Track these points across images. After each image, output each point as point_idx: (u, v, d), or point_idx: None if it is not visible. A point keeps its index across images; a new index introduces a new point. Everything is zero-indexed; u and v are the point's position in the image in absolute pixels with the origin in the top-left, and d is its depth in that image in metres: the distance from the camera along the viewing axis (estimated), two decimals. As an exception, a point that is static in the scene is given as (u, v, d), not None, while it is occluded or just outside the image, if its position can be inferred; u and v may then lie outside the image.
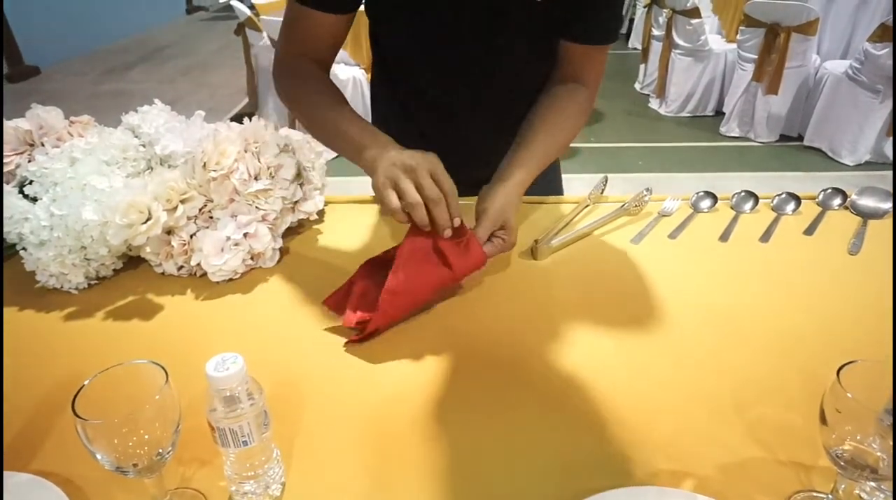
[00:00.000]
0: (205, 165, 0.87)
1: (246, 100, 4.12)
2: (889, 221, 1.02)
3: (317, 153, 1.03)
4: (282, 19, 0.95)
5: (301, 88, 0.92)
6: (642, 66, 4.76)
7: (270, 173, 0.92)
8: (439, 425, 0.63)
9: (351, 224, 1.04)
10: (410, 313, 0.79)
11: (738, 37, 3.76)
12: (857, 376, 0.48)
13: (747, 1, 3.62)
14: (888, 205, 1.03)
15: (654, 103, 4.43)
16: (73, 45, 6.04)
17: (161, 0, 7.80)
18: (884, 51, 3.11)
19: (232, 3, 3.73)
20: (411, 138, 0.86)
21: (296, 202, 0.97)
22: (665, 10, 4.16)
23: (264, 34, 3.40)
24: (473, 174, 0.95)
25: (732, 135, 3.84)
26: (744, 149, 3.70)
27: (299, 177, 0.97)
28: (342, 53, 3.56)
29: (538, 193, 1.07)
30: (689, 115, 4.20)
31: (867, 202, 1.05)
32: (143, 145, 0.96)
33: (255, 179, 0.90)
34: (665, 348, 0.74)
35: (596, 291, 0.85)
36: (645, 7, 4.82)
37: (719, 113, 4.08)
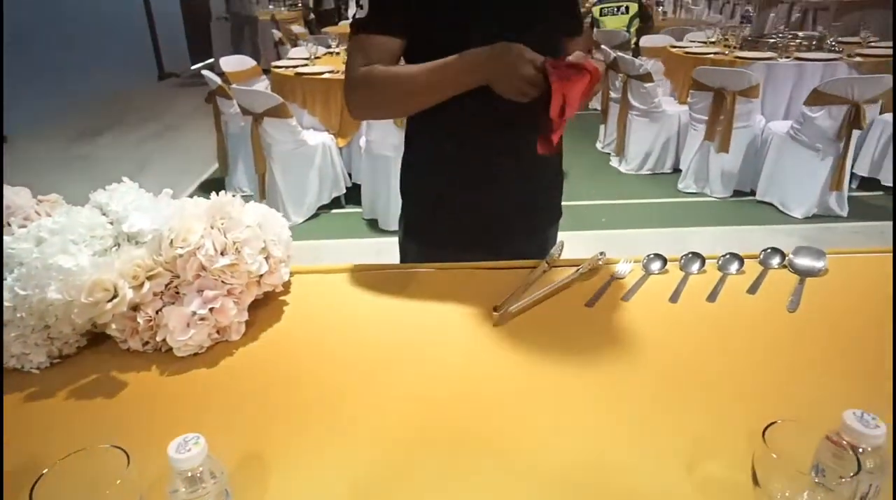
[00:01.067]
0: (171, 242, 0.90)
1: (216, 165, 4.16)
2: (823, 278, 1.08)
3: (282, 226, 1.07)
4: (344, 66, 1.10)
5: (373, 76, 1.04)
6: (602, 127, 4.97)
7: (237, 248, 0.94)
8: (403, 492, 0.65)
9: (316, 295, 1.07)
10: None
11: (689, 99, 3.97)
12: (783, 435, 0.52)
13: (695, 67, 3.85)
14: (822, 263, 1.10)
15: (614, 162, 4.60)
16: (43, 110, 6.06)
17: (133, 66, 7.93)
18: (819, 113, 3.32)
19: (203, 72, 3.82)
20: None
21: (261, 275, 0.99)
22: (620, 75, 4.38)
23: (234, 102, 3.49)
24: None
25: (690, 191, 4.00)
26: (701, 204, 3.85)
27: (265, 251, 0.99)
28: (311, 119, 3.65)
29: (536, 253, 1.17)
30: (648, 173, 4.37)
31: (803, 261, 1.11)
32: (111, 223, 0.98)
33: (222, 254, 0.93)
34: (617, 409, 0.77)
35: (553, 355, 0.88)
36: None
37: (677, 170, 4.25)
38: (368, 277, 1.11)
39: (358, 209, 3.67)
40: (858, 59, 3.86)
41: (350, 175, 3.80)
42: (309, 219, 3.63)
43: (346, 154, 3.77)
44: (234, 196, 1.02)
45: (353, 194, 3.75)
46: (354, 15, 1.07)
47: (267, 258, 1.00)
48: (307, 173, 3.54)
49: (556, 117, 0.96)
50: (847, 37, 4.61)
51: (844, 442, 0.50)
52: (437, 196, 1.21)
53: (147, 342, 0.90)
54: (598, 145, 5.02)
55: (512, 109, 1.00)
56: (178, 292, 0.91)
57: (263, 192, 3.50)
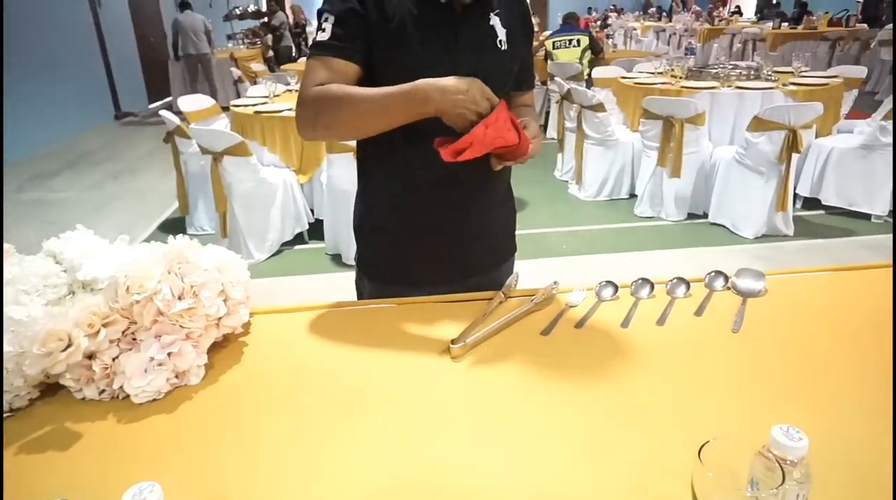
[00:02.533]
0: (128, 288, 0.90)
1: (176, 204, 4.11)
2: (764, 298, 1.14)
3: (241, 267, 1.07)
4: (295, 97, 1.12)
5: (328, 93, 1.04)
6: (560, 156, 5.10)
7: (194, 292, 0.95)
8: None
9: (276, 335, 1.07)
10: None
11: (641, 127, 4.12)
12: (718, 452, 0.55)
13: (644, 97, 4.01)
14: (762, 284, 1.16)
15: (573, 189, 4.71)
16: (-6, 155, 5.91)
17: (89, 107, 7.82)
18: (760, 139, 3.48)
19: (161, 112, 3.80)
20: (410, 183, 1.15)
21: (220, 318, 0.99)
22: (575, 105, 4.52)
23: (193, 141, 3.47)
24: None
25: (646, 215, 4.11)
26: (657, 228, 3.96)
27: (223, 293, 1.00)
28: (272, 157, 3.66)
29: (492, 286, 1.20)
30: (605, 199, 4.48)
31: (744, 283, 1.17)
32: (65, 271, 0.98)
33: (179, 298, 0.93)
34: (571, 435, 0.80)
35: (510, 386, 0.91)
36: (557, 103, 5.22)
37: (633, 195, 4.38)
38: (327, 315, 1.12)
39: (321, 245, 3.66)
40: (792, 87, 4.08)
41: (312, 211, 3.80)
42: (272, 256, 3.59)
43: (307, 190, 3.77)
44: (191, 239, 1.03)
45: (316, 230, 3.74)
46: (315, 37, 1.09)
47: (225, 301, 1.00)
48: (269, 211, 3.52)
49: (449, 152, 0.97)
50: (782, 66, 4.88)
51: (772, 456, 0.53)
52: (390, 235, 1.23)
53: (103, 390, 0.89)
54: (557, 173, 5.13)
55: (462, 165, 1.03)
56: (135, 339, 0.91)
57: (225, 230, 3.47)
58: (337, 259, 3.51)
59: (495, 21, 1.14)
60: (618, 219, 4.12)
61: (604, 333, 1.04)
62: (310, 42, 1.11)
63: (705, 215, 3.99)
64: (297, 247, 3.72)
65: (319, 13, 1.09)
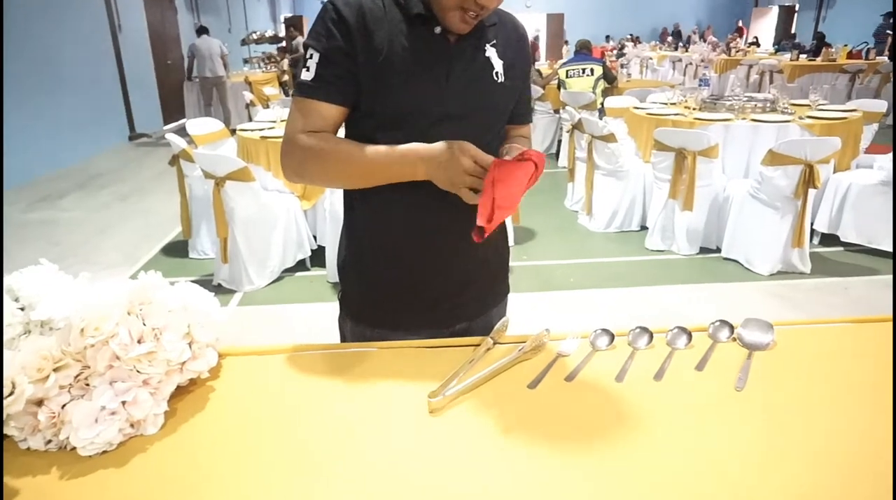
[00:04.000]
0: (82, 330, 0.85)
1: (180, 228, 4.11)
2: (772, 351, 1.06)
3: (211, 306, 1.02)
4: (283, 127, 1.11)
5: (314, 146, 1.05)
6: (570, 185, 5.05)
7: (156, 335, 0.90)
8: None
9: (247, 379, 1.02)
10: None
11: (653, 159, 4.06)
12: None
13: (656, 128, 3.96)
14: (770, 337, 1.09)
15: (583, 220, 4.65)
16: (7, 175, 5.97)
17: (105, 128, 7.93)
18: (776, 173, 3.41)
19: (167, 135, 3.82)
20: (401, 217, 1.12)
21: (184, 362, 0.94)
22: (586, 135, 4.49)
23: (198, 166, 3.47)
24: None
25: (656, 248, 4.04)
26: (668, 262, 3.88)
27: (188, 335, 0.95)
28: (276, 182, 3.64)
29: (483, 329, 1.16)
30: (616, 230, 4.42)
31: (751, 335, 1.10)
32: (22, 309, 0.93)
33: (139, 342, 0.88)
34: (559, 497, 0.73)
35: (490, 444, 0.84)
36: (568, 132, 5.19)
37: (644, 228, 4.31)
38: (302, 358, 1.07)
39: (323, 272, 3.63)
40: (809, 120, 4.01)
41: (315, 237, 3.77)
42: (273, 282, 3.57)
43: (311, 216, 3.75)
44: (155, 275, 0.98)
45: (318, 257, 3.72)
46: (301, 75, 1.05)
47: (191, 343, 0.95)
48: (270, 236, 3.50)
49: (483, 221, 0.95)
50: (799, 99, 4.81)
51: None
52: (374, 277, 1.18)
53: (50, 441, 0.84)
54: (567, 203, 5.09)
55: (452, 207, 1.02)
56: (87, 385, 0.86)
57: (226, 256, 3.45)
58: (338, 287, 3.47)
59: (492, 53, 1.10)
60: (628, 252, 4.06)
61: (596, 387, 0.97)
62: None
63: (718, 250, 3.92)
64: (299, 274, 3.69)
65: (305, 47, 1.06)
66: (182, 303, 0.96)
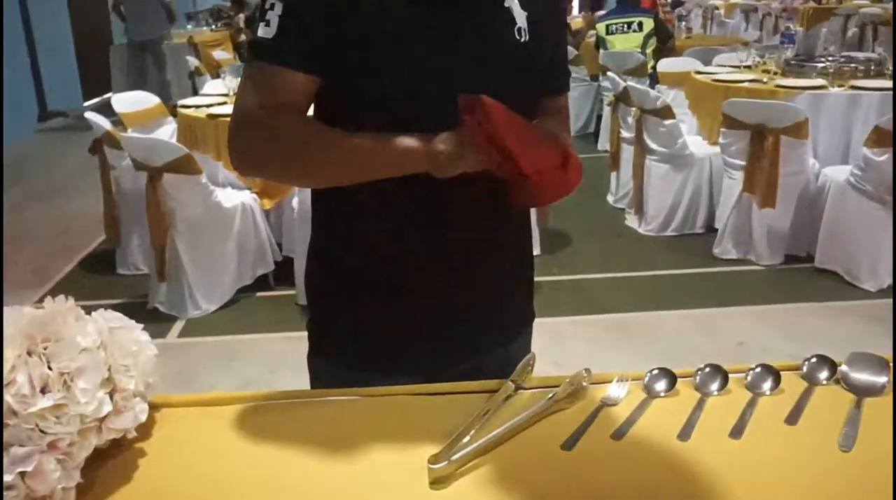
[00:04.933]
0: (-33, 378, 0.83)
1: (104, 235, 4.12)
2: (888, 398, 1.04)
3: (141, 343, 1.01)
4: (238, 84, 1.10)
5: (282, 128, 1.04)
6: (613, 175, 5.06)
7: (65, 382, 0.88)
8: None
9: (189, 438, 1.01)
10: None
11: (721, 140, 4.06)
12: None
13: (725, 99, 3.96)
14: (885, 378, 1.07)
15: (630, 220, 4.64)
16: None
17: (9, 107, 7.97)
18: (884, 157, 3.40)
19: (87, 115, 3.83)
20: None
21: (103, 418, 0.92)
22: (633, 109, 4.49)
23: (126, 153, 3.48)
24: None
25: (728, 257, 4.03)
26: (743, 275, 3.87)
27: (109, 382, 0.93)
28: (228, 175, 3.65)
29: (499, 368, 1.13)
30: (674, 234, 4.41)
31: (860, 375, 1.08)
32: None
33: (43, 392, 0.87)
34: None
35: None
36: (609, 105, 5.20)
37: (711, 230, 4.30)
38: (263, 411, 1.06)
39: (291, 291, 3.62)
40: (928, 87, 4.00)
41: (280, 246, 3.78)
42: (225, 306, 3.58)
43: (274, 219, 3.77)
44: (65, 300, 0.97)
45: (284, 272, 3.71)
46: (256, 31, 1.03)
47: (112, 393, 0.94)
48: (222, 246, 3.51)
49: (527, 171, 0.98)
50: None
51: None
52: (356, 300, 1.18)
53: (-77, 527, 0.82)
54: (610, 198, 5.09)
55: (457, 203, 1.04)
56: (-25, 450, 0.84)
57: (164, 271, 3.46)
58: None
59: (513, 2, 1.10)
60: (690, 262, 4.04)
61: (653, 448, 0.96)
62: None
63: (810, 259, 3.90)
64: (260, 294, 3.70)
65: None
66: (101, 338, 0.95)
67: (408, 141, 1.01)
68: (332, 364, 1.21)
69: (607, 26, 6.43)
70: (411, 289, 1.15)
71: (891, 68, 4.36)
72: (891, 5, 10.52)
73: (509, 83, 1.09)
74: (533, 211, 3.86)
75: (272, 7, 1.01)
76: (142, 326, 1.05)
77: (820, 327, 3.22)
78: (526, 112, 1.12)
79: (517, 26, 1.09)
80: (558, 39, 1.20)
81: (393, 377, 1.13)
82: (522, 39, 1.10)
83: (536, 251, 4.05)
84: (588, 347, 3.19)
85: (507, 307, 1.25)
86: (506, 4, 1.09)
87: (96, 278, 4.04)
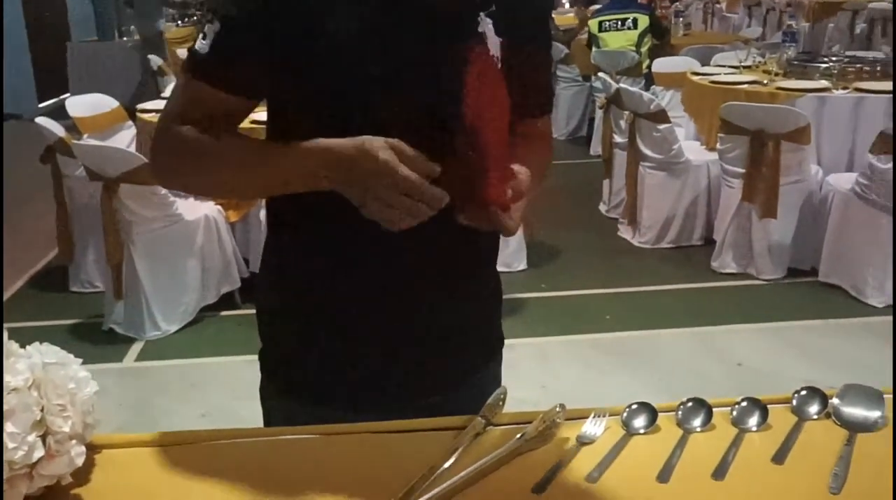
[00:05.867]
0: None
1: (56, 250, 4.09)
2: (883, 434, 1.05)
3: (78, 379, 1.00)
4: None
5: (198, 148, 1.04)
6: (606, 183, 5.08)
7: (-8, 425, 0.87)
8: None
9: (132, 484, 1.00)
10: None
11: (719, 146, 4.09)
12: None
13: (723, 102, 3.98)
14: (878, 412, 1.07)
15: (624, 231, 4.66)
16: None
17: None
18: (890, 164, 3.43)
19: (38, 120, 3.81)
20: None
21: (34, 464, 0.91)
22: (626, 113, 4.51)
23: (80, 162, 3.46)
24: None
25: (727, 271, 4.06)
26: (743, 290, 3.90)
27: (41, 424, 0.92)
28: (191, 185, 3.63)
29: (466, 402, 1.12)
30: (670, 246, 4.44)
31: (853, 409, 1.08)
32: None
33: (-34, 436, 0.86)
34: None
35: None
36: (601, 108, 5.22)
37: (709, 242, 4.33)
38: (213, 450, 1.05)
39: (258, 310, 3.61)
40: (939, 90, 4.04)
41: (247, 262, 3.78)
42: (187, 325, 3.57)
43: (240, 232, 3.77)
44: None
45: (251, 289, 3.69)
46: (193, 45, 1.04)
47: (45, 436, 0.93)
48: (184, 262, 3.51)
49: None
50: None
51: None
52: (309, 331, 1.18)
53: None
54: (602, 208, 5.11)
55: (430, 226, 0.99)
56: None
57: (120, 289, 3.44)
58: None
59: (486, 26, 1.07)
60: (687, 277, 4.07)
61: (630, 491, 0.96)
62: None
63: (814, 273, 3.93)
64: (225, 313, 3.69)
65: (201, 4, 1.05)
66: (33, 377, 0.94)
67: (313, 150, 0.98)
68: (285, 398, 1.21)
69: (600, 23, 6.47)
70: (371, 324, 1.15)
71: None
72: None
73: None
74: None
75: (211, 21, 1.02)
76: (81, 360, 1.03)
77: (824, 346, 3.24)
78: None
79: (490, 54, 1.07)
80: (539, 62, 1.19)
81: (351, 413, 1.12)
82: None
83: (523, 266, 4.09)
84: (578, 368, 3.20)
85: (472, 337, 1.24)
86: (479, 30, 1.06)
87: (48, 296, 4.02)
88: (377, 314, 1.15)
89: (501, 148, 0.96)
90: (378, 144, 0.93)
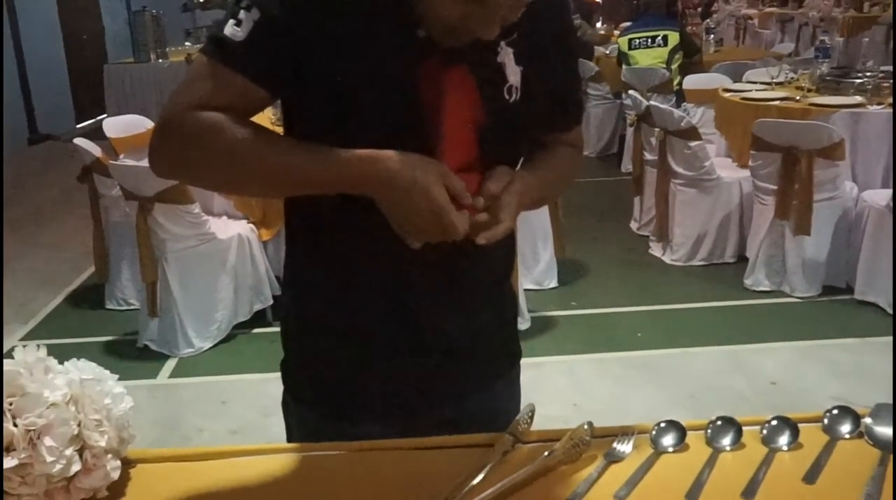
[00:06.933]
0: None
1: (93, 268, 4.16)
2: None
3: (115, 395, 1.03)
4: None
5: (223, 133, 0.99)
6: (637, 201, 5.05)
7: (31, 440, 0.90)
8: None
9: (165, 495, 1.01)
10: None
11: (752, 163, 4.06)
12: None
13: (756, 118, 3.96)
14: (912, 432, 1.06)
15: (655, 249, 4.64)
16: None
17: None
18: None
19: (76, 140, 3.89)
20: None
21: (72, 477, 0.94)
22: (656, 129, 4.50)
23: (116, 182, 3.53)
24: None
25: (761, 289, 4.02)
26: (777, 308, 3.86)
27: (78, 439, 0.95)
28: (224, 203, 3.69)
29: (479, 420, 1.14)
30: (702, 263, 4.40)
31: (886, 429, 1.07)
32: None
33: (8, 450, 0.88)
34: None
35: None
36: (631, 125, 5.21)
37: (742, 259, 4.29)
38: (243, 465, 1.07)
39: (290, 328, 3.64)
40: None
41: (279, 280, 3.79)
42: (220, 343, 3.60)
43: (272, 251, 3.79)
44: (39, 350, 0.99)
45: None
46: (222, 28, 0.99)
47: (82, 450, 0.95)
48: (217, 280, 3.54)
49: None
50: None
51: None
52: (327, 342, 1.19)
53: None
54: (633, 225, 5.08)
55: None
56: (-66, 513, 0.86)
57: (155, 306, 3.48)
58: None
59: (506, 55, 1.06)
60: (720, 295, 4.04)
61: (658, 509, 0.95)
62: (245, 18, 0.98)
63: (850, 290, 3.89)
64: (257, 330, 3.72)
65: None
66: (70, 392, 0.96)
67: (375, 152, 0.98)
68: (304, 410, 1.23)
69: (629, 41, 6.46)
70: (380, 330, 1.16)
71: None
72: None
73: (492, 142, 1.09)
74: (549, 240, 3.90)
75: (248, 9, 0.98)
76: (117, 376, 1.06)
77: (859, 365, 3.19)
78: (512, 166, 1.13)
79: (508, 85, 1.07)
80: (566, 80, 1.20)
81: (365, 424, 1.14)
82: (512, 99, 1.08)
83: (553, 283, 4.09)
84: (609, 387, 3.18)
85: (489, 349, 1.25)
86: (498, 60, 1.06)
87: (84, 314, 4.07)
88: (390, 326, 1.15)
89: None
90: (432, 179, 0.95)
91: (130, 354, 3.58)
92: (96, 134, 5.01)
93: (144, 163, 3.78)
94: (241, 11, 0.98)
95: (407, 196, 0.96)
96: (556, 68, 1.16)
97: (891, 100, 4.14)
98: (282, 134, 1.10)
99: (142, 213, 3.33)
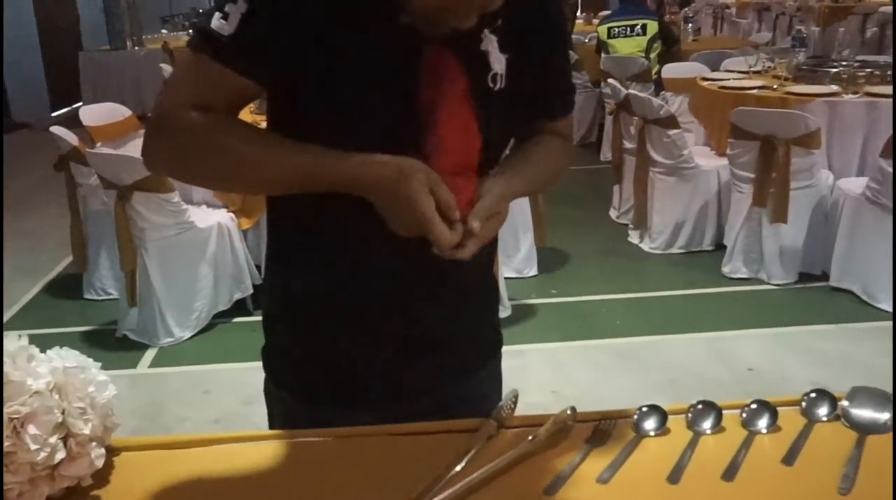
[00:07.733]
0: None
1: (70, 257, 4.13)
2: (892, 436, 1.06)
3: (98, 383, 1.02)
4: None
5: (214, 134, 1.00)
6: (616, 188, 5.08)
7: (15, 428, 0.90)
8: None
9: (150, 485, 1.01)
10: None
11: (729, 151, 4.09)
12: None
13: (734, 107, 3.99)
14: (887, 414, 1.08)
15: (634, 237, 4.66)
16: None
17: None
18: (897, 168, 3.44)
19: (53, 129, 3.85)
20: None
21: (56, 465, 0.93)
22: (635, 118, 4.52)
23: (94, 170, 3.49)
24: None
25: (738, 276, 4.05)
26: (754, 295, 3.89)
27: (62, 427, 0.94)
28: (204, 192, 3.67)
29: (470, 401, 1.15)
30: (680, 251, 4.43)
31: (862, 411, 1.09)
32: None
33: (-9, 438, 0.88)
34: None
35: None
36: (610, 114, 5.23)
37: (720, 247, 4.32)
38: (227, 453, 1.07)
39: (271, 317, 3.63)
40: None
41: (259, 269, 3.78)
42: (200, 332, 3.59)
43: (252, 240, 3.77)
44: (21, 338, 0.98)
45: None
46: (209, 22, 0.97)
47: (66, 438, 0.95)
48: (197, 269, 3.52)
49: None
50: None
51: None
52: (308, 330, 1.19)
53: None
54: (612, 214, 5.11)
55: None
56: (-83, 502, 0.85)
57: (134, 296, 3.46)
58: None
59: (490, 43, 1.05)
60: (698, 282, 4.07)
61: (640, 492, 0.97)
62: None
63: (825, 277, 3.93)
64: (237, 320, 3.71)
65: None
66: (54, 380, 0.96)
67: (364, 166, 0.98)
68: (287, 396, 1.23)
69: (609, 29, 6.48)
70: (361, 319, 1.16)
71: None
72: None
73: (474, 135, 1.08)
74: (529, 228, 3.91)
75: (234, 1, 0.96)
76: (100, 364, 1.05)
77: (835, 351, 3.23)
78: (497, 159, 1.14)
79: (492, 72, 1.06)
80: (555, 66, 1.19)
81: (344, 412, 1.14)
82: (496, 87, 1.06)
83: (533, 271, 4.10)
84: (589, 374, 3.20)
85: (470, 337, 1.25)
86: (482, 48, 1.05)
87: (62, 303, 4.04)
88: (371, 315, 1.15)
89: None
90: (420, 189, 0.95)
91: (110, 343, 3.56)
92: (72, 122, 4.95)
93: (122, 151, 3.76)
94: (228, 4, 0.96)
95: (395, 203, 0.97)
96: (545, 55, 1.15)
97: (866, 88, 4.19)
98: (265, 125, 1.10)
99: (120, 202, 3.30)
